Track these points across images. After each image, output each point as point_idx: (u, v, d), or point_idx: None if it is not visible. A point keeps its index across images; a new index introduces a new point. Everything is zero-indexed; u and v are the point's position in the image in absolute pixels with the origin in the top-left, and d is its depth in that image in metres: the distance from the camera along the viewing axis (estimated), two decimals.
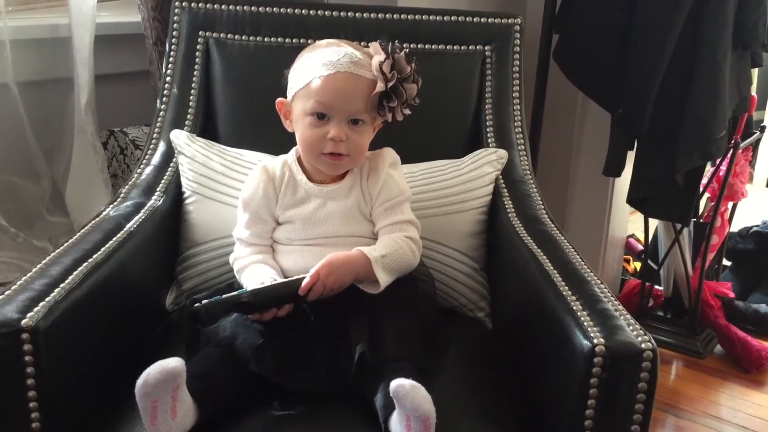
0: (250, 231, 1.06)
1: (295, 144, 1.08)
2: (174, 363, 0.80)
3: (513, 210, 1.19)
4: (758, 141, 2.02)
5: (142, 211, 1.15)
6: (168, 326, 1.16)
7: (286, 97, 1.07)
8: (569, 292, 0.92)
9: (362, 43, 1.07)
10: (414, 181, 1.19)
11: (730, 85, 1.77)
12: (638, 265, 2.38)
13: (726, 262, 2.28)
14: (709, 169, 1.94)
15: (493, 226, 1.21)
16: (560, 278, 0.96)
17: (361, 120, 1.01)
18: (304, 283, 0.93)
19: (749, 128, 1.98)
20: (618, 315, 0.86)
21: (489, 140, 1.31)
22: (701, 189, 1.91)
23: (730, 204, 2.05)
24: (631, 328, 0.83)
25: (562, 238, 1.10)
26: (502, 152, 1.26)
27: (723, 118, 1.77)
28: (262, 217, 1.06)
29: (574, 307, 0.88)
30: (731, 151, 1.88)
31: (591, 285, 0.93)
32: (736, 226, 2.24)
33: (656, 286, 2.12)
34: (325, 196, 1.05)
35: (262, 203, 1.05)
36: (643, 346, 0.80)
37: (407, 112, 1.02)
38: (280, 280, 0.98)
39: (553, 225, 1.14)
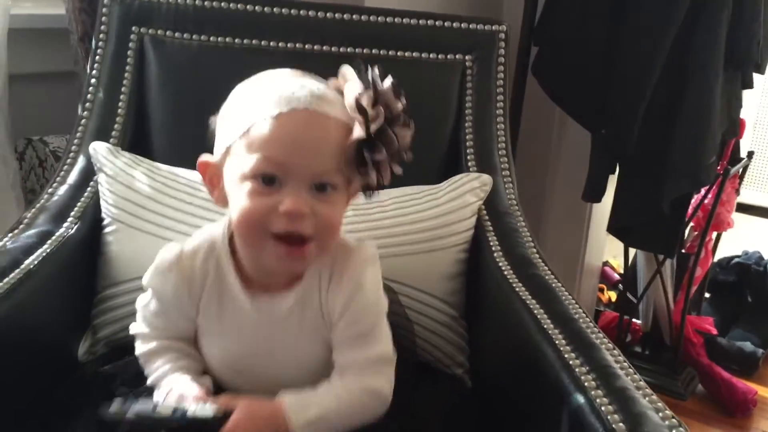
0: (156, 322, 0.78)
1: None
2: None
3: (499, 248, 1.01)
4: (746, 168, 1.90)
5: (49, 242, 0.93)
6: (80, 381, 0.94)
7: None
8: (577, 362, 0.74)
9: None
10: (384, 212, 1.00)
11: (721, 108, 1.66)
12: (613, 294, 2.25)
13: (705, 294, 2.16)
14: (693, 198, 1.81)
15: (475, 266, 1.02)
16: (564, 342, 0.78)
17: (329, 185, 0.69)
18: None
19: (736, 153, 1.86)
20: (641, 396, 0.69)
21: (469, 164, 1.13)
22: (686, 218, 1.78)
23: (714, 234, 1.93)
24: (660, 414, 0.66)
25: (559, 285, 0.93)
26: (486, 178, 1.08)
27: (714, 143, 1.65)
28: (173, 320, 0.78)
29: (586, 384, 0.70)
30: (720, 179, 1.75)
31: (602, 352, 0.76)
32: (716, 256, 2.12)
33: (634, 320, 1.98)
34: (266, 315, 0.74)
35: (173, 309, 0.76)
36: None
37: (398, 170, 0.70)
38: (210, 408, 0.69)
39: (546, 268, 0.97)
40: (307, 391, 0.72)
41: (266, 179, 0.67)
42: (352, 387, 0.73)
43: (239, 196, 0.69)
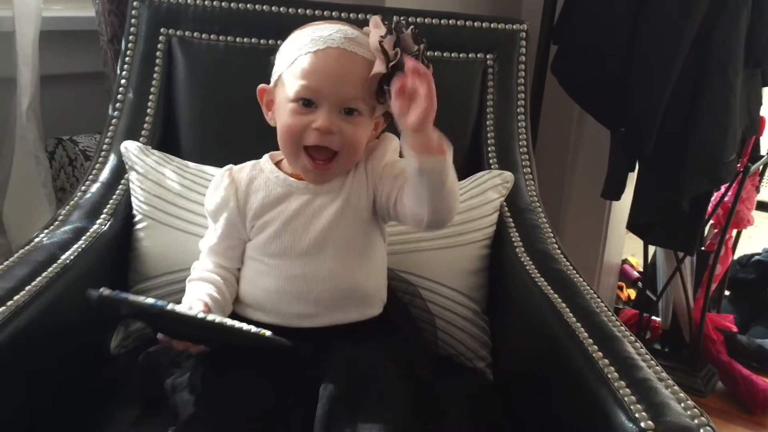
0: (212, 245, 0.89)
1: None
2: None
3: (521, 243, 1.03)
4: (766, 165, 1.89)
5: (83, 238, 0.96)
6: (113, 373, 0.98)
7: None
8: (600, 354, 0.76)
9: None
10: None
11: (741, 105, 1.66)
12: (632, 292, 2.25)
13: (725, 292, 2.15)
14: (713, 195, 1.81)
15: (498, 262, 1.04)
16: (586, 335, 0.80)
17: (356, 110, 0.82)
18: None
19: (756, 151, 1.86)
20: (663, 387, 0.70)
21: (491, 161, 1.15)
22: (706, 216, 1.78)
23: (734, 231, 1.93)
24: (682, 405, 0.68)
25: (581, 279, 0.95)
26: (508, 175, 1.10)
27: (733, 140, 1.65)
28: (225, 234, 0.88)
29: (609, 375, 0.72)
30: (740, 176, 1.75)
31: (624, 344, 0.77)
32: (735, 254, 2.11)
33: (654, 318, 1.99)
34: (312, 192, 0.86)
35: (225, 218, 0.87)
36: None
37: None
38: (215, 318, 0.76)
39: (567, 263, 0.99)
40: None
41: (305, 102, 0.82)
42: None
43: (284, 114, 0.84)
